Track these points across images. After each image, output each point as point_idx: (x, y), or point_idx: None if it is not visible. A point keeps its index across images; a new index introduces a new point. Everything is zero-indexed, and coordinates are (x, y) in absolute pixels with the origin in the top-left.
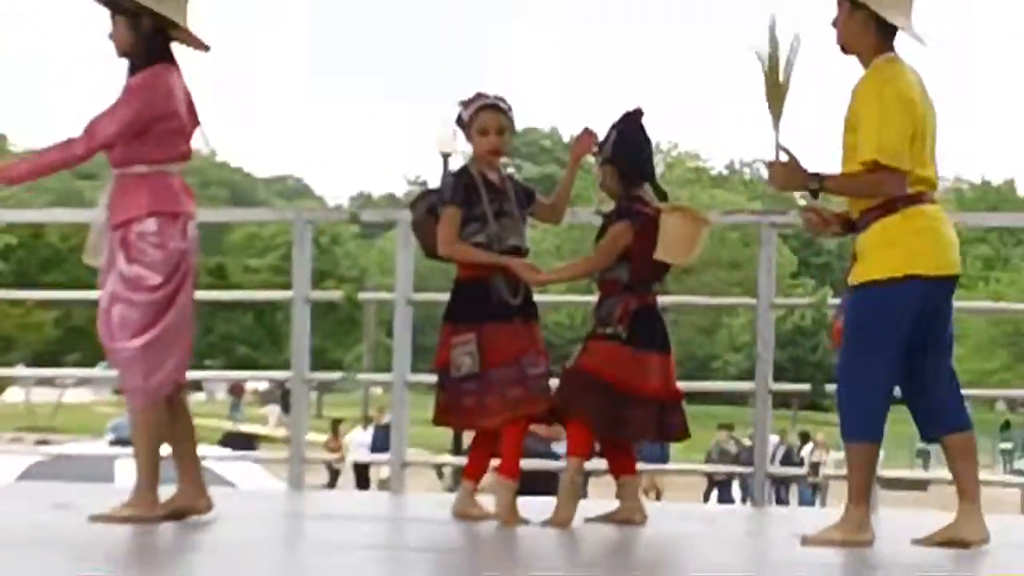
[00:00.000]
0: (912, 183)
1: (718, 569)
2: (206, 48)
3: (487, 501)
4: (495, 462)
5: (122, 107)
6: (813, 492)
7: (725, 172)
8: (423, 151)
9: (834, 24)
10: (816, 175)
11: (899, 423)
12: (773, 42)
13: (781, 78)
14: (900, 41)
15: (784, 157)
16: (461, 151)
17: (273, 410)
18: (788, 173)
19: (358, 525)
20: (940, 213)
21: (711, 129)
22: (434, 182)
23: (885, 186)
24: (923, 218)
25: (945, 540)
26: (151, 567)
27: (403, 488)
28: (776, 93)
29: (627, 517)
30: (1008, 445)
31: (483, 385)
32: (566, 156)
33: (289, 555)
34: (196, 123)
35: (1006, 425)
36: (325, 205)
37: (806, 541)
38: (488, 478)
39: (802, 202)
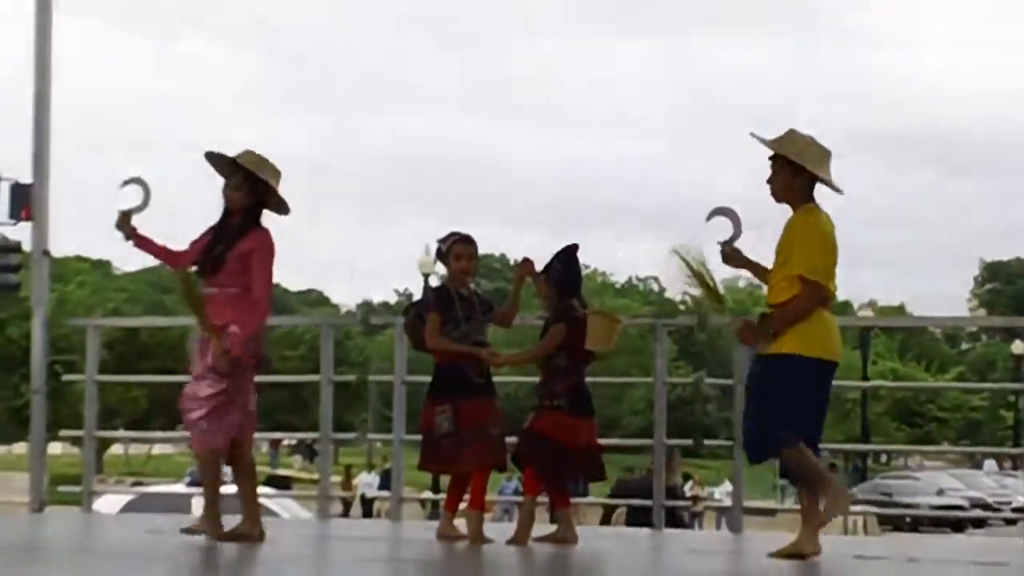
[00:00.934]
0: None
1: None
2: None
3: (462, 526)
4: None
5: (267, 264)
6: (692, 518)
7: (625, 284)
8: (407, 270)
9: (769, 181)
10: (767, 325)
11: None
12: (685, 256)
13: (706, 274)
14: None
15: (739, 324)
16: (437, 272)
17: (297, 459)
18: (751, 331)
19: (369, 544)
20: (834, 317)
21: (613, 251)
22: (418, 294)
23: (812, 298)
24: (824, 316)
25: (790, 553)
26: (221, 572)
27: (400, 517)
28: (710, 286)
29: (564, 537)
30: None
31: (457, 442)
32: (510, 274)
33: (322, 566)
34: None
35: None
36: (339, 311)
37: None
38: (463, 508)
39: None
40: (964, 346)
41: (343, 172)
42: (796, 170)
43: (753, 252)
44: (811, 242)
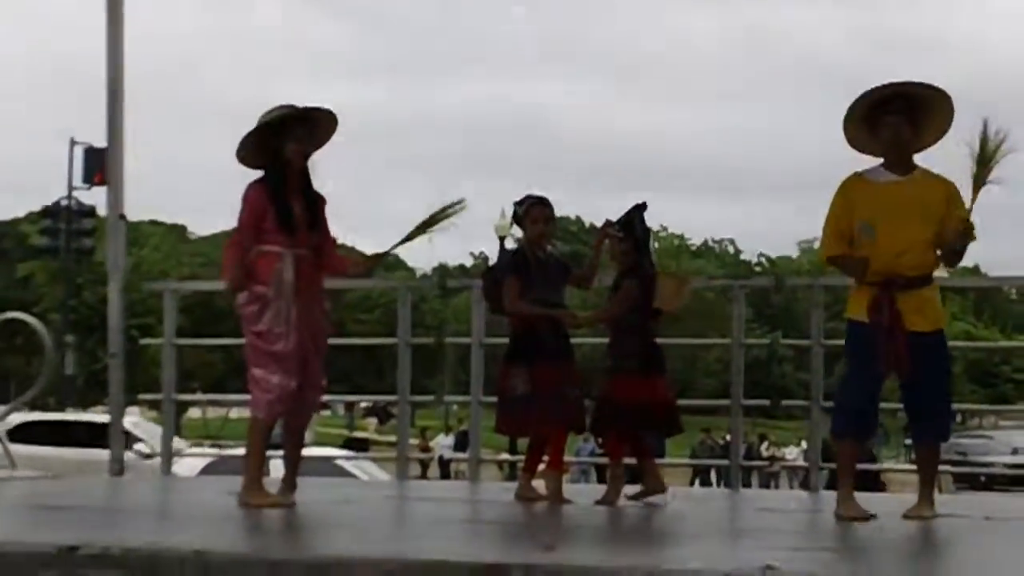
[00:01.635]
0: None
1: (725, 531)
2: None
3: (540, 487)
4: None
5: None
6: (769, 478)
7: (701, 247)
8: (483, 232)
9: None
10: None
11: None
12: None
13: (989, 166)
14: None
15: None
16: (512, 235)
17: (372, 421)
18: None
19: (449, 505)
20: None
21: (691, 212)
22: (494, 257)
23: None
24: None
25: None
26: (302, 533)
27: (478, 478)
28: (980, 177)
29: (653, 490)
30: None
31: (533, 404)
32: (587, 237)
33: (403, 527)
34: None
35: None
36: (415, 274)
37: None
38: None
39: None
40: None
41: (418, 134)
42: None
43: None
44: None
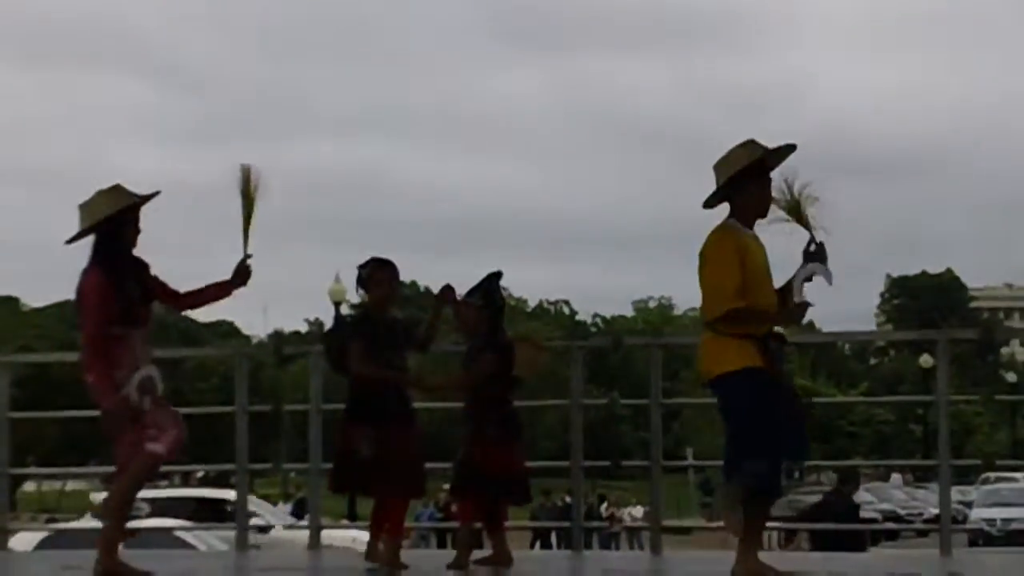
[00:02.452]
0: None
1: None
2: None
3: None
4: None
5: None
6: (610, 538)
7: (536, 308)
8: (316, 299)
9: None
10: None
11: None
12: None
13: (805, 215)
14: None
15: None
16: (349, 300)
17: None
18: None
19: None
20: None
21: (525, 275)
22: (328, 322)
23: None
24: None
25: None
26: None
27: (318, 545)
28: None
29: (500, 559)
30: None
31: (379, 467)
32: (422, 301)
33: None
34: None
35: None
36: (251, 342)
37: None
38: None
39: None
40: (872, 361)
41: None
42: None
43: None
44: (710, 272)
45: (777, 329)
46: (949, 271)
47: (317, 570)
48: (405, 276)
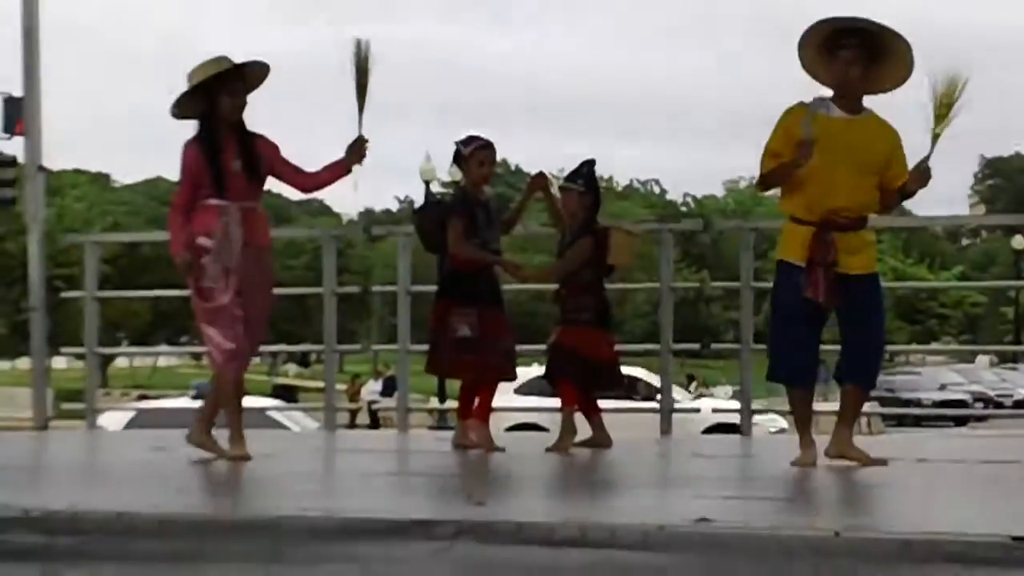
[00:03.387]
0: None
1: (668, 478)
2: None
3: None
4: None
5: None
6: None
7: (626, 188)
8: (406, 177)
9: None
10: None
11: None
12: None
13: (950, 107)
14: None
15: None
16: (439, 179)
17: (291, 367)
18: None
19: (380, 457)
20: None
21: (616, 154)
22: (419, 201)
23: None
24: None
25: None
26: (233, 490)
27: (407, 427)
28: (941, 116)
29: (599, 442)
30: None
31: (477, 349)
32: (511, 179)
33: (329, 482)
34: None
35: None
36: (341, 220)
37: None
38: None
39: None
40: (965, 242)
41: (336, 79)
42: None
43: None
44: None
45: (851, 215)
46: None
47: (404, 452)
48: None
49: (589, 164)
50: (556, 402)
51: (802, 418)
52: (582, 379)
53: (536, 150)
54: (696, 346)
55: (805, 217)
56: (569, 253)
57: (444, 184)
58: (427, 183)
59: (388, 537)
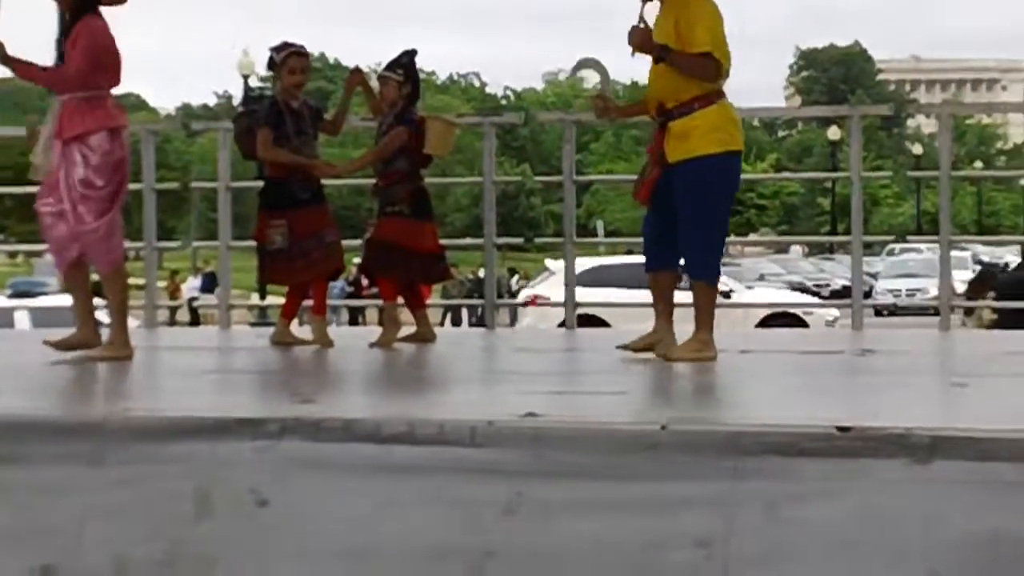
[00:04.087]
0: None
1: (494, 372)
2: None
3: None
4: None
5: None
6: (517, 312)
7: (447, 82)
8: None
9: None
10: (664, 46)
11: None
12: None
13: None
14: None
15: (642, 25)
16: (256, 73)
17: None
18: (644, 38)
19: (203, 355)
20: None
21: (435, 48)
22: (238, 96)
23: (710, 73)
24: (731, 109)
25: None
26: (46, 389)
27: (229, 323)
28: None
29: (423, 336)
30: None
31: (293, 254)
32: (331, 74)
33: (151, 380)
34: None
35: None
36: (158, 115)
37: (668, 357)
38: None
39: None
40: (781, 133)
41: None
42: None
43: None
44: (715, 21)
45: (666, 105)
46: (857, 43)
47: (227, 350)
48: (312, 48)
49: (409, 54)
50: (619, 293)
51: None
52: (403, 272)
53: (354, 44)
54: (520, 240)
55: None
56: (383, 141)
57: (262, 79)
58: (245, 77)
59: (212, 436)
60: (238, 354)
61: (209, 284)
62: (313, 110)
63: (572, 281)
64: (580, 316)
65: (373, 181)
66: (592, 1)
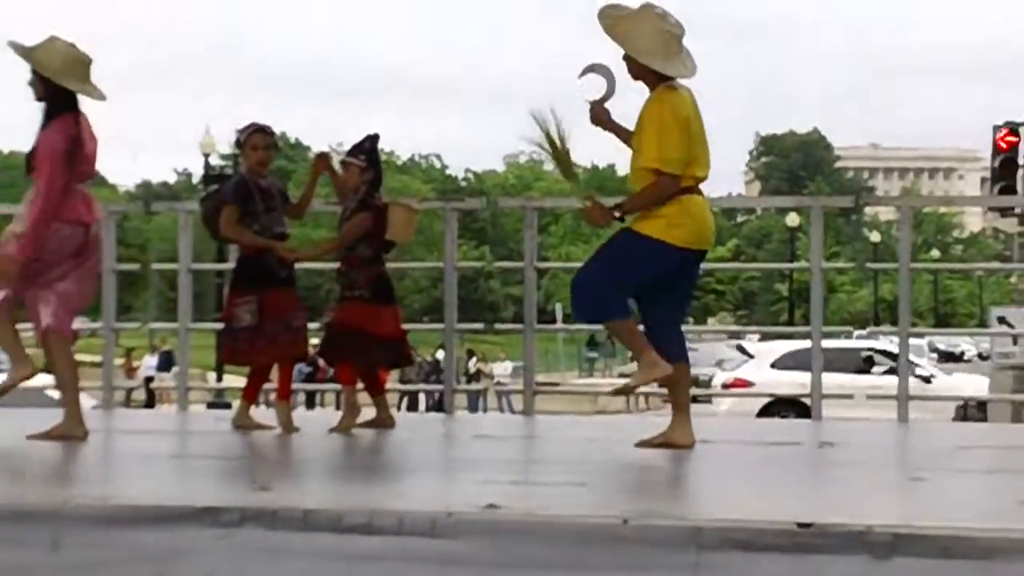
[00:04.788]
0: (686, 180)
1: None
2: (103, 99)
3: (262, 417)
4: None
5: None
6: (477, 396)
7: (407, 162)
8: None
9: (624, 59)
10: (617, 206)
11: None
12: (543, 124)
13: (560, 146)
14: None
15: (589, 203)
16: (217, 151)
17: None
18: (600, 214)
19: (161, 438)
20: (704, 202)
21: (396, 128)
22: (197, 173)
23: (665, 189)
24: (693, 203)
25: (663, 443)
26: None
27: (187, 406)
28: (564, 159)
29: (383, 421)
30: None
31: (259, 334)
32: (292, 153)
33: (108, 466)
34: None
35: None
36: (117, 192)
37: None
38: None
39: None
40: (740, 218)
41: (109, 45)
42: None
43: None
44: (663, 130)
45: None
46: (816, 130)
47: (186, 433)
48: (276, 127)
49: (372, 139)
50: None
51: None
52: (363, 356)
53: (314, 122)
54: (480, 326)
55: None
56: (347, 227)
57: (223, 156)
58: (206, 155)
59: (171, 523)
60: (197, 438)
61: (166, 363)
62: (281, 191)
63: (531, 367)
64: (783, 400)
65: (335, 264)
66: (553, 84)
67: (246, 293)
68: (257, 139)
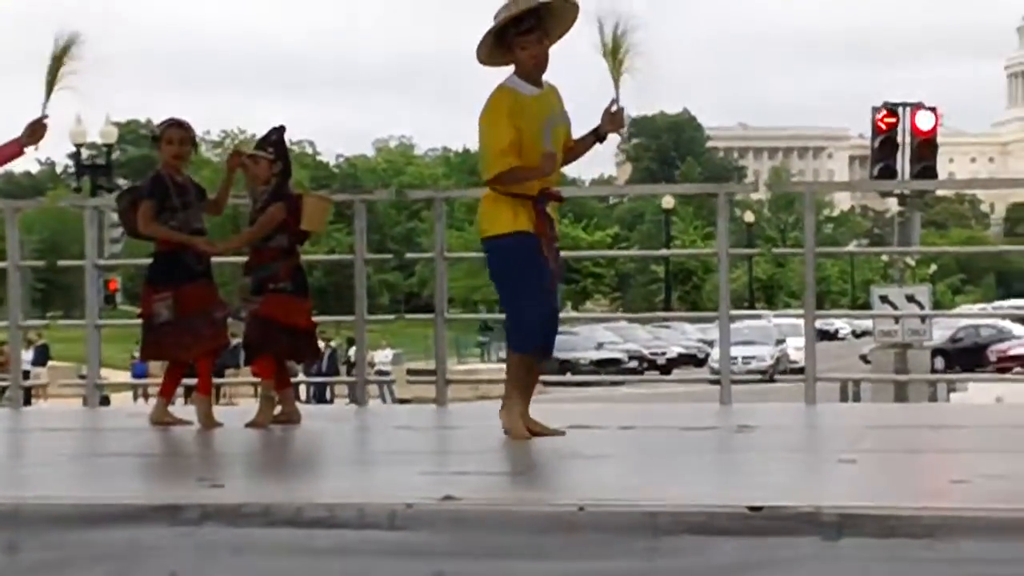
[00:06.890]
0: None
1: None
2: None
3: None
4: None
5: None
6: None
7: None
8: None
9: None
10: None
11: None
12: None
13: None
14: None
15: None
16: (88, 143)
17: None
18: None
19: (75, 435)
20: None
21: (268, 116)
22: (64, 163)
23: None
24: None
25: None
26: None
27: (95, 403)
28: (616, 66)
29: (289, 416)
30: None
31: (179, 329)
32: None
33: (23, 466)
34: None
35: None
36: None
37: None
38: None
39: None
40: (612, 201)
41: None
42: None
43: None
44: (485, 133)
45: (554, 188)
46: (686, 111)
47: (98, 430)
48: (138, 114)
49: (278, 131)
50: None
51: (527, 386)
52: (284, 349)
53: (186, 108)
54: (391, 317)
55: (522, 192)
56: (261, 219)
57: (91, 146)
58: (78, 146)
59: (131, 522)
60: (117, 436)
61: (42, 357)
62: (198, 188)
63: (443, 357)
64: None
65: (245, 258)
66: (417, 67)
67: (163, 289)
68: (173, 133)
